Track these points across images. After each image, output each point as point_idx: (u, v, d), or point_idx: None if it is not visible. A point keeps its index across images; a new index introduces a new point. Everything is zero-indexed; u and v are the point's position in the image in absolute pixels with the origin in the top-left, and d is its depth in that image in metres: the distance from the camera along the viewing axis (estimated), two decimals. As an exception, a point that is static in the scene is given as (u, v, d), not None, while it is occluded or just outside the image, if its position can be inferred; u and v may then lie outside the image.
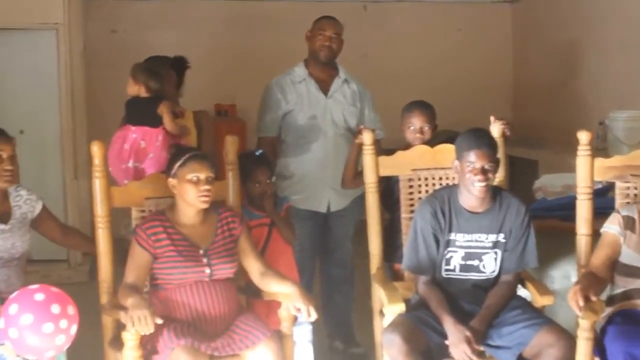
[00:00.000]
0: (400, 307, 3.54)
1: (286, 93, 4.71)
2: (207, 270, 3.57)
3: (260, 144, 4.70)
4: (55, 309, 3.17)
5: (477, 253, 3.67)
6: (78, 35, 6.81)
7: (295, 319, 3.53)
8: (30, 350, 3.19)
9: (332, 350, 4.91)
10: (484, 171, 3.53)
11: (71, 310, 3.23)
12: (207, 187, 3.56)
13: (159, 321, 3.27)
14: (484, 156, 3.54)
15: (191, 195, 3.57)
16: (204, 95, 7.35)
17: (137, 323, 3.22)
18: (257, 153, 4.30)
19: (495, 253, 3.67)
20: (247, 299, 3.87)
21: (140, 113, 4.24)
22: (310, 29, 4.75)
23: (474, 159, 3.53)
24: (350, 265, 4.89)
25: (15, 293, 3.26)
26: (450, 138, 3.93)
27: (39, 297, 3.19)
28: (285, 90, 4.72)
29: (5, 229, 3.64)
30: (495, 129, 4.02)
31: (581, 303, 3.30)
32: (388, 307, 3.57)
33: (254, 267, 3.70)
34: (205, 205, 3.60)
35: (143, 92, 4.27)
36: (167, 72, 4.52)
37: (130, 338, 3.28)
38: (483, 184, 3.54)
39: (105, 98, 6.01)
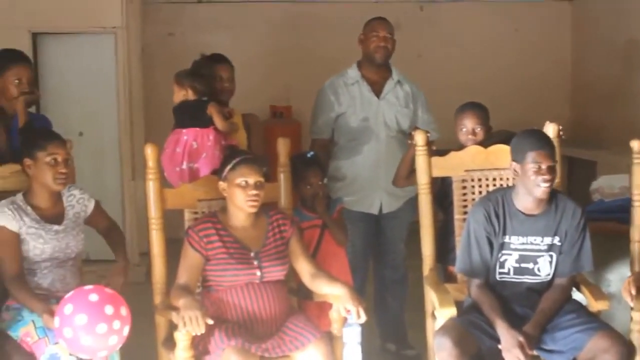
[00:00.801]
0: (452, 311, 3.52)
1: (339, 95, 4.72)
2: (258, 273, 3.59)
3: (313, 146, 4.72)
4: (109, 310, 3.21)
5: (531, 256, 3.63)
6: (136, 39, 6.91)
7: (345, 320, 3.52)
8: (84, 349, 3.25)
9: (385, 351, 4.91)
10: (550, 171, 3.48)
11: (124, 311, 3.27)
12: (255, 192, 3.59)
13: (210, 322, 3.29)
14: (548, 156, 3.50)
15: (240, 199, 3.60)
16: (259, 96, 7.41)
17: (189, 323, 3.25)
18: (308, 155, 4.32)
19: (550, 256, 3.63)
20: (299, 300, 3.88)
21: (190, 115, 4.27)
22: (362, 32, 4.75)
23: (540, 159, 3.49)
24: (402, 267, 4.87)
25: (71, 293, 3.32)
26: (505, 139, 3.90)
27: (93, 297, 3.24)
28: (338, 92, 4.73)
29: (59, 230, 3.70)
30: (550, 129, 3.97)
31: (633, 292, 3.25)
32: (439, 311, 3.55)
33: (304, 268, 3.71)
34: (253, 210, 3.62)
35: (190, 95, 4.30)
36: (224, 66, 4.52)
37: (182, 338, 3.32)
38: (548, 184, 3.49)
39: (163, 100, 6.03)
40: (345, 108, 4.68)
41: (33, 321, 3.49)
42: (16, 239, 3.61)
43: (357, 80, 4.72)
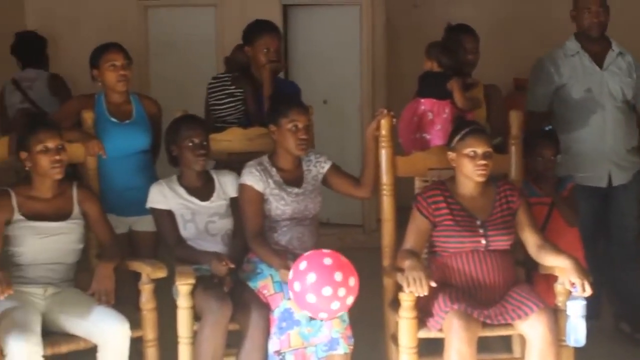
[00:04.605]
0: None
1: (559, 67, 4.62)
2: (483, 241, 3.62)
3: (530, 119, 4.63)
4: (338, 276, 3.35)
5: None
6: (381, 10, 7.04)
7: (570, 293, 3.48)
8: (307, 306, 3.42)
9: (618, 331, 4.77)
10: None
11: (352, 281, 3.38)
12: (484, 162, 3.62)
13: (433, 284, 3.38)
14: None
15: (468, 169, 3.64)
16: (503, 68, 7.30)
17: (412, 284, 3.35)
18: (546, 128, 4.27)
19: None
20: (526, 271, 3.88)
21: (430, 86, 4.36)
22: (573, 7, 4.63)
23: None
24: (632, 245, 4.67)
25: (310, 252, 3.49)
26: None
27: (327, 261, 3.39)
28: (557, 64, 4.63)
29: (299, 192, 3.90)
30: None
31: None
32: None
33: (530, 240, 3.70)
34: (482, 179, 3.66)
35: (435, 67, 4.38)
36: (469, 37, 4.57)
37: (406, 299, 3.43)
38: None
39: (405, 71, 6.16)
40: (567, 79, 4.58)
41: (271, 275, 3.71)
42: (260, 198, 3.84)
43: (577, 51, 4.60)
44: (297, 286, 3.41)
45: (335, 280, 3.34)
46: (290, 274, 3.46)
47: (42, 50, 5.86)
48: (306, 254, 3.49)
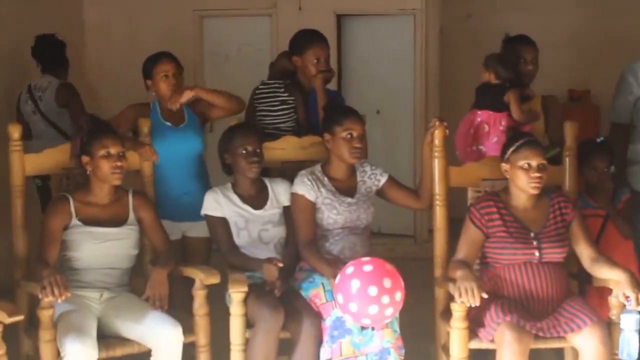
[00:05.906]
0: None
1: (638, 77, 4.54)
2: (537, 253, 3.61)
3: (612, 130, 4.57)
4: (373, 291, 3.35)
5: None
6: (434, 20, 7.03)
7: (624, 306, 3.44)
8: (368, 324, 3.49)
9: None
10: None
11: (387, 283, 3.38)
12: (538, 174, 3.60)
13: (485, 295, 3.37)
14: None
15: (522, 181, 3.63)
16: (557, 79, 7.25)
17: (464, 294, 3.35)
18: (598, 140, 4.23)
19: None
20: (580, 284, 3.84)
21: (487, 97, 4.33)
22: None
23: None
24: None
25: (338, 279, 3.48)
26: None
27: (355, 284, 3.38)
28: (637, 74, 4.54)
29: (352, 202, 3.91)
30: None
31: None
32: None
33: (584, 252, 3.68)
34: (535, 192, 3.64)
35: (492, 79, 4.36)
36: (528, 47, 4.52)
37: (457, 309, 3.43)
38: None
39: (459, 81, 6.15)
40: None
41: (322, 284, 3.72)
42: (312, 208, 3.87)
43: None
44: (348, 318, 3.49)
45: (372, 296, 3.34)
46: (338, 307, 3.51)
47: (60, 54, 5.63)
48: (337, 281, 3.48)
